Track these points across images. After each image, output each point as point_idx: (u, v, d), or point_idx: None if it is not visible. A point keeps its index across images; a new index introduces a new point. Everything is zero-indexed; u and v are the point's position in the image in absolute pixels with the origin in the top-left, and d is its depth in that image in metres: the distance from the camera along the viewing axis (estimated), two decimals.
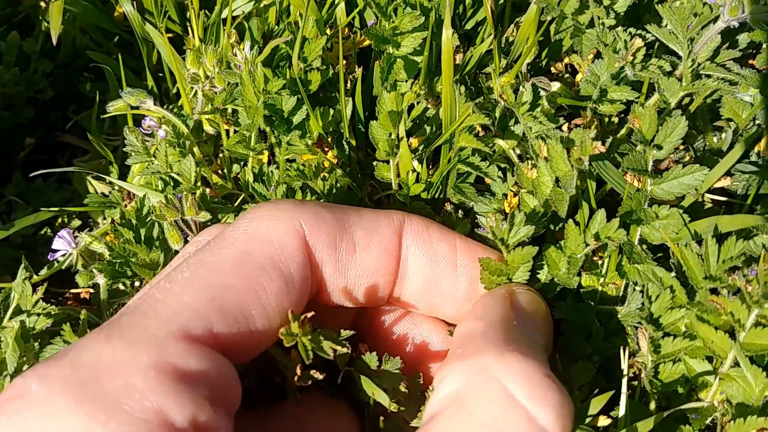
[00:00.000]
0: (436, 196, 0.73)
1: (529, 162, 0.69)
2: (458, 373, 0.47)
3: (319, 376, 0.52)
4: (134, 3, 0.83)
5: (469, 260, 0.57)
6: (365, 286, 0.55)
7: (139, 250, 0.66)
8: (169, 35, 0.86)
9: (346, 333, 0.51)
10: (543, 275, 0.64)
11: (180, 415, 0.42)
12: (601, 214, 0.60)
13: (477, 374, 0.46)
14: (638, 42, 0.65)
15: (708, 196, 0.72)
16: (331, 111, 0.74)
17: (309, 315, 0.49)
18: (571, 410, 0.45)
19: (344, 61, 0.80)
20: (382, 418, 0.57)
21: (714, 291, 0.57)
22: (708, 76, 0.68)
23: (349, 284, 0.54)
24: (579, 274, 0.63)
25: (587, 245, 0.61)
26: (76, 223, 0.87)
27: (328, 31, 0.79)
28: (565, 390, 0.46)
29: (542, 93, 0.71)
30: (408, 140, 0.73)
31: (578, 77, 0.81)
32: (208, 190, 0.74)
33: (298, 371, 0.52)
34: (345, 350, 0.51)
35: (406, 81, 0.75)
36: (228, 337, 0.47)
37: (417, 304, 0.58)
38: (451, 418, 0.45)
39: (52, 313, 0.68)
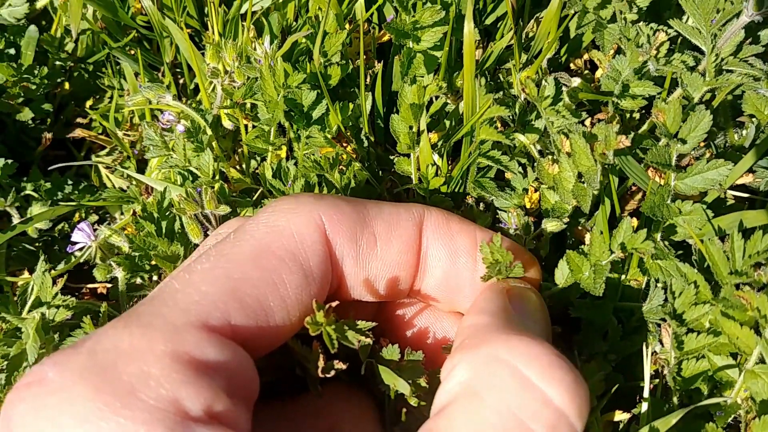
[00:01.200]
0: (457, 190, 0.72)
1: (550, 157, 0.68)
2: (468, 362, 0.46)
3: (342, 366, 0.52)
4: None
5: None
6: (386, 279, 0.55)
7: (160, 243, 0.66)
8: (188, 31, 0.86)
9: (367, 324, 0.51)
10: (562, 278, 0.63)
11: (195, 404, 0.41)
12: (627, 222, 0.59)
13: (487, 361, 0.45)
14: (662, 36, 0.65)
15: (730, 192, 0.71)
16: (351, 105, 0.74)
17: (333, 304, 0.49)
18: (586, 390, 0.44)
19: (364, 56, 0.80)
20: (404, 410, 0.57)
21: (738, 287, 0.56)
22: (731, 72, 0.67)
23: (370, 278, 0.54)
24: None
25: (612, 253, 0.60)
26: (94, 218, 0.87)
27: (347, 27, 0.78)
28: (577, 369, 0.45)
29: (563, 88, 0.71)
30: (428, 135, 0.73)
31: (598, 73, 0.81)
32: (226, 185, 0.74)
33: (321, 362, 0.52)
34: (368, 340, 0.51)
35: (426, 76, 0.74)
36: (246, 329, 0.47)
37: (437, 298, 0.57)
38: (464, 407, 0.44)
39: (72, 305, 0.68)
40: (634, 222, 0.62)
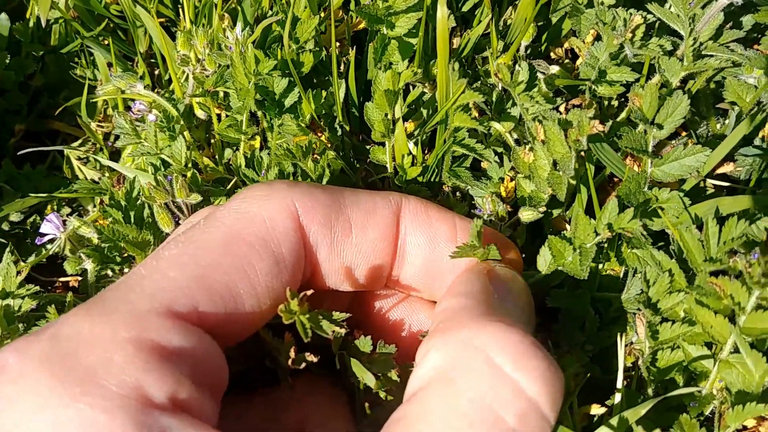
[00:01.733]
0: (433, 179, 0.71)
1: (526, 146, 0.67)
2: (441, 347, 0.45)
3: (313, 358, 0.51)
4: None
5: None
6: (362, 268, 0.53)
7: (128, 231, 0.64)
8: (161, 20, 0.85)
9: (342, 315, 0.50)
10: (544, 265, 0.62)
11: (159, 391, 0.40)
12: (613, 203, 0.58)
13: (461, 347, 0.44)
14: (638, 19, 0.63)
15: (710, 181, 0.70)
16: (324, 93, 0.72)
17: (308, 293, 0.48)
18: (560, 379, 0.43)
19: (338, 44, 0.78)
20: (366, 404, 0.56)
21: (715, 276, 0.55)
22: (710, 56, 0.66)
23: (345, 267, 0.53)
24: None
25: (597, 234, 0.59)
26: (66, 210, 0.85)
27: (321, 14, 0.77)
28: (552, 357, 0.44)
29: (540, 75, 0.70)
30: (404, 124, 0.72)
31: (578, 62, 0.79)
32: (198, 174, 0.73)
33: (292, 354, 0.51)
34: (343, 331, 0.49)
35: (400, 63, 0.73)
36: (214, 316, 0.46)
37: (417, 287, 0.56)
38: (437, 394, 0.43)
39: (36, 295, 0.67)
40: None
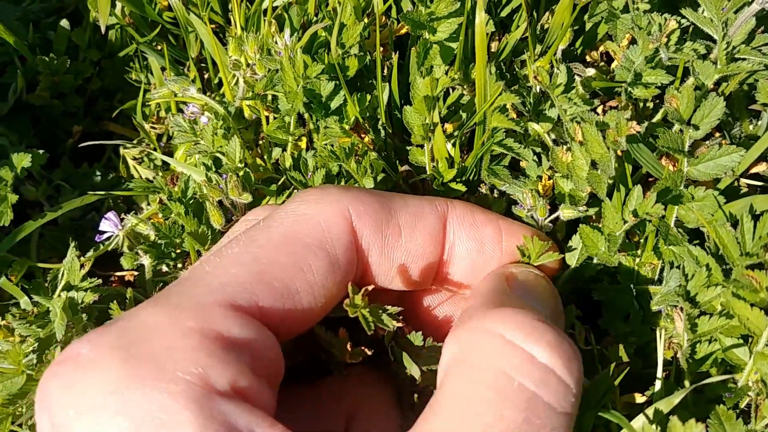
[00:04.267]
0: (471, 179, 0.74)
1: (564, 146, 0.69)
2: (458, 336, 0.48)
3: (368, 352, 0.54)
4: None
5: (515, 241, 0.59)
6: (410, 269, 0.56)
7: (188, 223, 0.68)
8: (212, 26, 0.89)
9: (394, 309, 0.53)
10: (574, 258, 0.64)
11: (221, 378, 0.43)
12: (637, 190, 0.61)
13: (475, 332, 0.47)
14: (673, 23, 0.66)
15: (744, 180, 0.72)
16: (368, 97, 0.76)
17: (369, 288, 0.51)
18: (573, 349, 0.46)
19: (381, 48, 0.82)
20: (416, 395, 0.59)
21: (751, 270, 0.57)
22: (743, 60, 0.68)
23: (394, 268, 0.56)
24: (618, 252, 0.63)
25: (625, 222, 0.61)
26: (122, 207, 0.90)
27: (366, 19, 0.80)
28: (564, 333, 0.47)
29: (577, 78, 0.72)
30: (443, 126, 0.74)
31: (614, 65, 0.82)
32: (251, 172, 0.76)
33: (349, 348, 0.54)
34: (400, 324, 0.53)
35: (441, 66, 0.76)
36: (273, 311, 0.49)
37: (462, 286, 0.59)
38: (459, 375, 0.46)
39: (98, 287, 0.71)
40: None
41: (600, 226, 0.63)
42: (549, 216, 0.68)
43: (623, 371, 0.58)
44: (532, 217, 0.65)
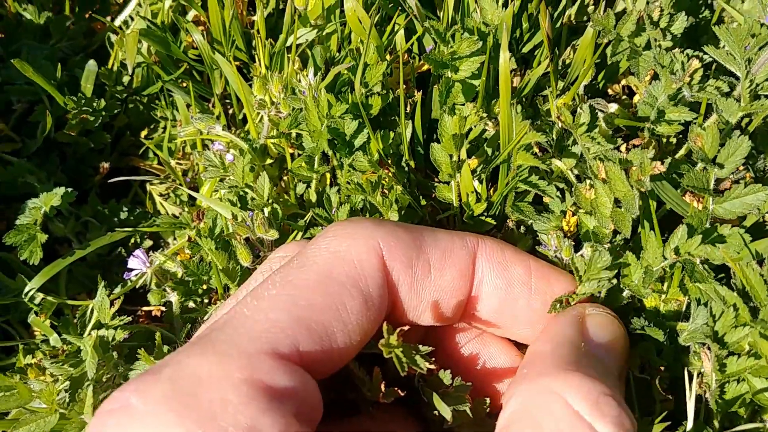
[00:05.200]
0: (496, 214, 0.74)
1: (588, 182, 0.70)
2: (524, 391, 0.49)
3: (401, 393, 0.54)
4: (204, 33, 0.88)
5: (543, 282, 0.59)
6: (439, 306, 0.57)
7: (219, 259, 0.69)
8: (237, 63, 0.90)
9: (426, 349, 0.53)
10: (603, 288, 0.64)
11: (271, 430, 0.43)
12: (682, 229, 0.61)
13: (541, 392, 0.48)
14: (695, 63, 0.66)
15: None
16: (391, 134, 0.77)
17: (405, 329, 0.52)
18: (631, 423, 0.47)
19: (404, 86, 0.82)
20: None
21: None
22: (767, 97, 0.68)
23: (423, 304, 0.56)
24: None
25: (665, 259, 0.61)
26: (148, 243, 0.91)
27: (387, 57, 0.81)
28: (625, 406, 0.48)
29: (600, 114, 0.73)
30: (468, 160, 0.75)
31: (635, 98, 0.82)
32: (279, 208, 0.77)
33: (383, 388, 0.54)
34: (433, 367, 0.53)
35: (464, 104, 0.77)
36: (312, 354, 0.49)
37: (490, 324, 0.59)
38: (521, 429, 0.47)
39: (128, 326, 0.72)
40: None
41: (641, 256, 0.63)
42: (575, 254, 0.69)
43: (656, 411, 0.58)
44: (557, 257, 0.65)
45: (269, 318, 0.48)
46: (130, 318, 0.73)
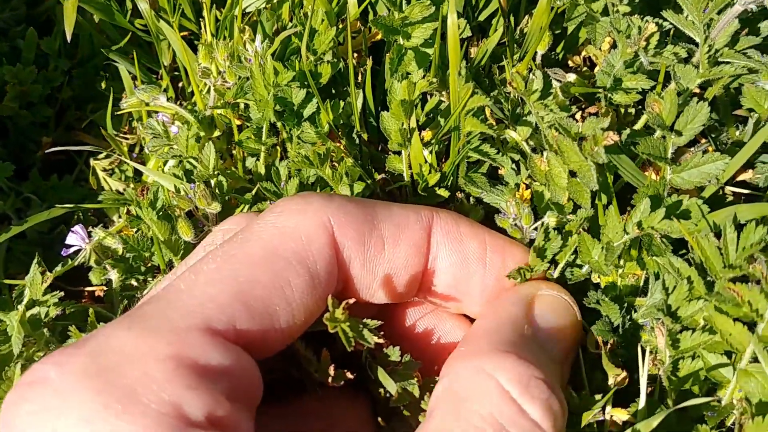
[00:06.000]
0: (449, 186, 0.71)
1: (542, 154, 0.67)
2: (457, 370, 0.48)
3: (350, 376, 0.52)
4: (149, 0, 0.84)
5: (498, 257, 0.57)
6: (393, 282, 0.55)
7: (160, 230, 0.66)
8: (184, 33, 0.87)
9: (374, 323, 0.51)
10: (559, 264, 0.62)
11: (196, 410, 0.42)
12: (645, 203, 0.58)
13: (474, 371, 0.48)
14: (652, 27, 0.63)
15: (729, 188, 0.69)
16: (342, 104, 0.73)
17: (351, 301, 0.49)
18: (561, 408, 0.48)
19: (356, 55, 0.79)
20: (395, 412, 0.57)
21: (734, 283, 0.54)
22: (726, 63, 0.65)
23: (377, 281, 0.54)
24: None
25: (626, 234, 0.59)
26: (92, 221, 0.87)
27: (339, 25, 0.78)
28: (558, 391, 0.48)
29: (557, 84, 0.70)
30: (421, 133, 0.72)
31: (596, 69, 0.79)
32: (224, 180, 0.74)
33: (332, 372, 0.52)
34: (381, 341, 0.51)
35: (416, 72, 0.74)
36: (251, 332, 0.47)
37: (446, 301, 0.57)
38: (448, 411, 0.46)
39: (61, 301, 0.69)
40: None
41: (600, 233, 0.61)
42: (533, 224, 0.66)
43: (609, 393, 0.55)
44: (517, 225, 0.63)
45: (206, 293, 0.46)
46: (63, 293, 0.69)
